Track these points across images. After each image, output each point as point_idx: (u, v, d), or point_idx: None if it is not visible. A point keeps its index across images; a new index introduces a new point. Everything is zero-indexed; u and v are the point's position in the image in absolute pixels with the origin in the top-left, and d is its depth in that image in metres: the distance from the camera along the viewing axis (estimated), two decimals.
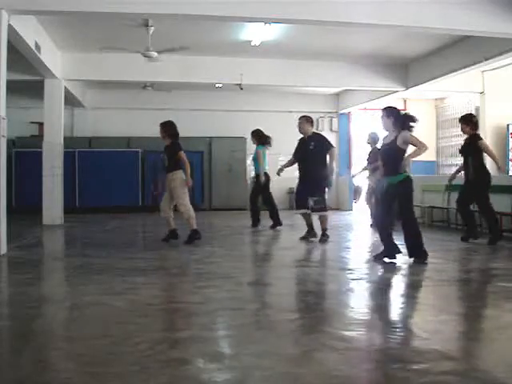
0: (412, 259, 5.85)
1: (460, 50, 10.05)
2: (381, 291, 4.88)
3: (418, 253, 5.82)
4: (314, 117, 15.87)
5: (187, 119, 15.27)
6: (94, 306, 4.05)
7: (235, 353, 3.05)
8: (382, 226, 6.05)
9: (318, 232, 7.89)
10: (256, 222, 9.99)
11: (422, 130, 15.66)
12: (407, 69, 12.11)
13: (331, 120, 16.37)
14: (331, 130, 16.33)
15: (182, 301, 4.19)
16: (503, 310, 4.01)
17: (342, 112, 16.15)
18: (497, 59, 9.49)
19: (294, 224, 11.45)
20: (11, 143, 12.74)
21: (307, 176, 7.84)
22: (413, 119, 5.83)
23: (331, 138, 16.15)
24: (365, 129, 15.35)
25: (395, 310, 4.12)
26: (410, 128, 5.78)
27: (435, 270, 5.63)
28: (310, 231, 7.98)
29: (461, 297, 4.52)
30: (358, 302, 4.44)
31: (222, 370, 2.71)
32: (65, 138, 11.20)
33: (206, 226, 11.14)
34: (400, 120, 5.82)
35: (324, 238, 7.77)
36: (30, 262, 6.30)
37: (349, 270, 5.81)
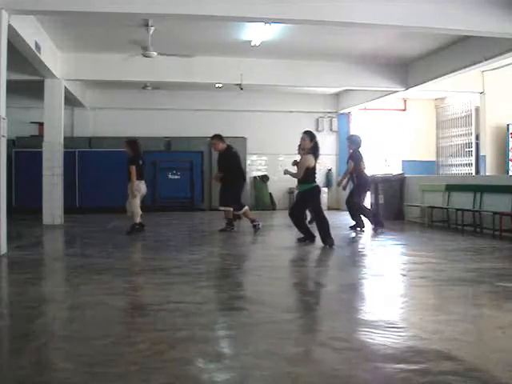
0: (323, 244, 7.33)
1: (460, 50, 10.05)
2: (380, 291, 4.88)
3: (326, 240, 7.38)
4: (313, 117, 16.14)
5: (187, 119, 15.32)
6: (94, 306, 4.05)
7: (235, 353, 3.05)
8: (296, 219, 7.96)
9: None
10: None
11: (422, 130, 15.79)
12: (407, 69, 12.11)
13: (331, 120, 16.37)
14: (331, 130, 16.33)
15: (182, 301, 4.19)
16: (503, 310, 4.01)
17: (341, 112, 16.14)
18: (497, 59, 9.49)
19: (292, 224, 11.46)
20: (11, 143, 12.74)
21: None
22: (318, 148, 7.70)
23: (331, 138, 16.30)
24: (365, 129, 15.39)
25: (395, 310, 4.12)
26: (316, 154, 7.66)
27: (435, 270, 5.64)
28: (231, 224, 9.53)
29: (460, 297, 4.52)
30: (358, 302, 4.44)
31: (221, 370, 2.72)
32: (65, 138, 11.20)
33: (205, 225, 11.15)
34: (315, 146, 7.68)
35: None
36: (30, 261, 6.29)
37: (348, 269, 5.81)
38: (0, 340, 3.37)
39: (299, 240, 7.85)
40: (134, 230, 8.84)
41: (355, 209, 9.71)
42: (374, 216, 9.70)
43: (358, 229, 9.64)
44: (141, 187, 8.96)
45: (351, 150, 9.79)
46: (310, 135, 7.76)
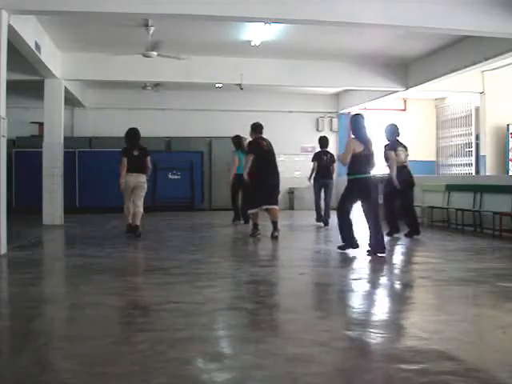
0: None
1: (460, 50, 10.04)
2: (380, 291, 4.89)
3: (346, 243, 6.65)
4: (313, 117, 16.13)
5: (187, 119, 15.32)
6: (94, 306, 4.05)
7: (235, 353, 3.05)
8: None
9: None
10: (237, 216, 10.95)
11: (422, 130, 15.79)
12: (407, 69, 12.11)
13: (331, 120, 16.37)
14: (331, 130, 16.32)
15: (182, 301, 4.19)
16: (503, 310, 4.01)
17: (341, 112, 16.14)
18: (497, 59, 9.49)
19: (292, 224, 11.48)
20: (11, 143, 12.73)
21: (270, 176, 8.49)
22: (361, 132, 6.63)
23: (331, 138, 16.24)
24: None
25: (395, 310, 4.12)
26: None
27: (435, 270, 5.64)
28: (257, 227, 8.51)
29: (461, 297, 4.52)
30: (358, 302, 4.44)
31: (222, 370, 2.71)
32: (65, 138, 11.19)
33: (206, 226, 11.15)
34: (355, 129, 6.68)
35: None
36: (30, 261, 6.29)
37: (349, 269, 5.81)
38: (0, 340, 3.37)
39: (340, 247, 6.72)
40: (132, 231, 8.48)
41: (408, 211, 8.55)
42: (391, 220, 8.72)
43: (396, 235, 8.54)
44: (128, 181, 8.30)
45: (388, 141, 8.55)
46: (351, 119, 6.86)
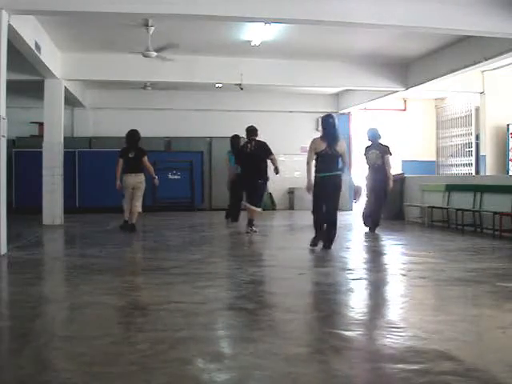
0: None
1: (460, 50, 10.04)
2: (380, 291, 4.89)
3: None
4: (313, 117, 16.12)
5: (187, 119, 15.31)
6: (94, 306, 4.05)
7: (235, 353, 3.05)
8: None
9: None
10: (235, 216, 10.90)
11: (422, 130, 15.79)
12: (407, 69, 12.10)
13: None
14: None
15: (182, 301, 4.19)
16: (503, 310, 4.01)
17: (342, 112, 16.12)
18: (497, 59, 9.49)
19: (292, 224, 11.47)
20: (11, 143, 12.73)
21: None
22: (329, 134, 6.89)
23: None
24: (365, 129, 15.38)
25: (395, 310, 4.12)
26: None
27: (435, 270, 5.64)
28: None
29: (460, 297, 4.52)
30: (358, 302, 4.44)
31: (221, 370, 2.72)
32: (65, 138, 11.19)
33: (205, 226, 11.15)
34: (323, 130, 7.02)
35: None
36: (30, 261, 6.29)
37: (348, 269, 5.81)
38: (0, 340, 3.37)
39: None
40: (126, 227, 9.06)
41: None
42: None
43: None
44: (127, 181, 8.98)
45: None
46: (321, 119, 7.14)
